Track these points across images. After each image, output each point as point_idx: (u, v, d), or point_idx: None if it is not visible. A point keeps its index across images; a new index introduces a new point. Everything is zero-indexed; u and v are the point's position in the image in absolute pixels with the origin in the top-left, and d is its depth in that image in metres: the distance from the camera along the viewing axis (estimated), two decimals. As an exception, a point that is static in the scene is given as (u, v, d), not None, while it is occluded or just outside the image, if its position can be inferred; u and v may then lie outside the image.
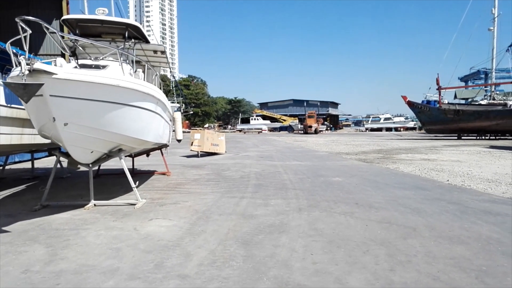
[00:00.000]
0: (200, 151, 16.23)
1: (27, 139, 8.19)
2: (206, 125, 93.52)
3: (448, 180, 8.70)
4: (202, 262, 3.65)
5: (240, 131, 74.79)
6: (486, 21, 41.91)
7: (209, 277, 3.27)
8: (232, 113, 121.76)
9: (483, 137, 33.53)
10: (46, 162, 13.14)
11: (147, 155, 11.22)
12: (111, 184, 8.62)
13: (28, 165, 11.01)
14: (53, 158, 9.20)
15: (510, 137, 32.82)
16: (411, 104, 35.96)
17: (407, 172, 10.30)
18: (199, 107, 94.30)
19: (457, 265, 3.51)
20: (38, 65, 4.26)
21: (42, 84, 4.22)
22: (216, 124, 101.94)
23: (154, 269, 3.48)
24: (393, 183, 8.34)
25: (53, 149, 7.73)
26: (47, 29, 4.68)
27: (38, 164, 12.70)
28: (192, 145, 16.21)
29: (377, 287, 3.04)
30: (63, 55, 6.77)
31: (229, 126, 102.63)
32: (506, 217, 5.25)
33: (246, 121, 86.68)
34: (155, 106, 6.77)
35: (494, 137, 33.33)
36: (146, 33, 8.05)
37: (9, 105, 7.40)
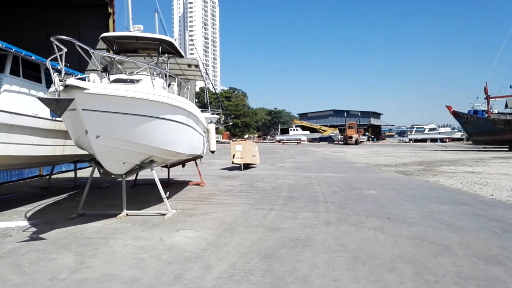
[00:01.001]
0: (243, 163, 15.05)
1: (69, 150, 8.63)
2: (246, 136, 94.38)
3: (492, 195, 8.19)
4: (221, 275, 3.64)
5: (279, 141, 74.72)
6: (539, 26, 39.46)
7: (226, 291, 3.25)
8: (271, 124, 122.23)
9: (539, 149, 31.38)
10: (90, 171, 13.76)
11: (183, 166, 11.45)
12: (146, 194, 8.85)
13: (73, 174, 11.56)
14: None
15: None
16: (456, 114, 34.35)
17: (447, 186, 9.81)
18: (239, 118, 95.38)
19: (490, 287, 3.27)
20: (71, 81, 4.49)
21: (73, 99, 4.44)
22: (256, 135, 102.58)
23: (173, 280, 3.51)
24: (431, 197, 7.96)
25: (91, 160, 8.09)
26: (80, 47, 4.93)
27: (83, 173, 13.32)
28: (234, 157, 14.96)
29: (398, 309, 2.89)
30: (105, 71, 7.14)
31: (269, 137, 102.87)
32: (552, 237, 4.85)
33: (285, 131, 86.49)
34: (186, 119, 6.91)
35: (549, 149, 31.11)
36: (179, 48, 8.27)
37: (53, 118, 7.84)
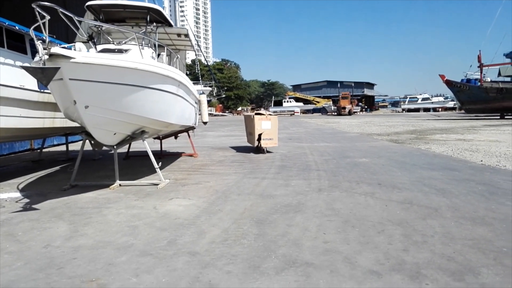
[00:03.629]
0: (273, 145, 10.75)
1: (60, 123, 8.53)
2: (239, 108, 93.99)
3: (481, 161, 8.30)
4: (214, 240, 3.69)
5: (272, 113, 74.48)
6: (534, -8, 38.97)
7: (219, 255, 3.30)
8: (265, 96, 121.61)
9: (529, 117, 31.68)
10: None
11: (175, 138, 11.41)
12: (138, 165, 8.85)
13: (65, 148, 11.49)
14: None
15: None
16: (449, 83, 34.37)
17: (438, 153, 9.92)
18: (232, 91, 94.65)
19: (475, 246, 3.35)
20: (56, 49, 4.37)
21: (59, 68, 4.34)
22: (249, 107, 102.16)
23: (166, 246, 3.56)
24: (422, 164, 8.05)
25: (82, 132, 8.03)
26: (64, 14, 4.78)
27: (75, 147, 13.26)
28: (260, 139, 10.45)
29: (386, 267, 2.96)
30: (91, 40, 6.94)
31: (262, 109, 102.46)
32: (539, 198, 4.95)
33: (279, 103, 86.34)
34: (177, 89, 6.82)
35: (541, 116, 31.42)
36: (168, 17, 8.07)
37: (41, 90, 7.70)
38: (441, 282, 2.69)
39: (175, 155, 10.77)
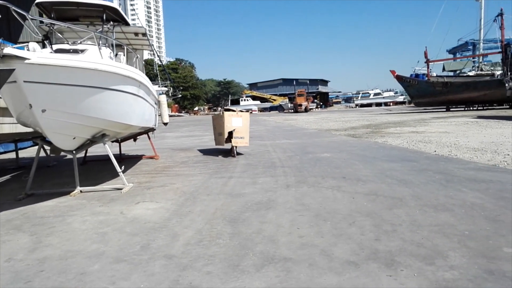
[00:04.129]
0: (245, 145, 9.92)
1: (8, 129, 8.01)
2: (196, 108, 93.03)
3: (435, 151, 8.76)
4: (189, 241, 3.64)
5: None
6: (472, -9, 41.67)
7: (196, 256, 3.26)
8: (221, 95, 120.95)
9: (471, 108, 33.78)
10: (32, 151, 12.95)
11: (134, 140, 11.10)
12: (97, 170, 8.53)
13: (13, 155, 10.83)
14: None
15: (497, 107, 33.11)
16: (399, 78, 35.95)
17: (395, 145, 10.35)
18: (187, 90, 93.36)
19: (441, 231, 3.54)
20: (9, 50, 4.11)
21: (13, 69, 4.09)
22: (206, 107, 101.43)
23: (140, 251, 3.46)
24: (381, 156, 8.37)
25: (36, 137, 7.59)
26: (16, 12, 4.50)
27: (24, 154, 12.53)
28: (231, 138, 9.49)
29: (362, 257, 3.06)
30: (46, 39, 6.53)
31: (219, 108, 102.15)
32: (490, 184, 5.31)
33: (236, 102, 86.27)
34: (137, 89, 6.64)
35: (482, 108, 33.58)
36: (125, 15, 7.82)
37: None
38: (414, 267, 2.82)
39: (136, 158, 10.49)
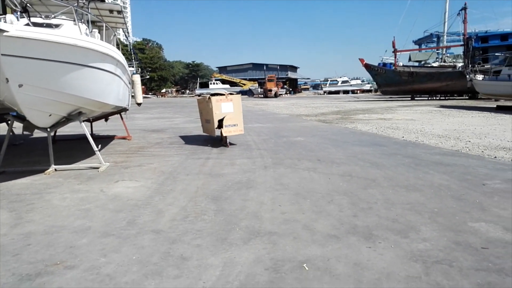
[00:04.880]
0: (240, 133, 8.57)
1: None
2: (164, 90, 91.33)
3: (403, 137, 9.17)
4: (175, 217, 3.72)
5: (199, 95, 73.46)
6: (439, -16, 42.88)
7: (183, 231, 3.36)
8: (190, 78, 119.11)
9: (434, 98, 35.13)
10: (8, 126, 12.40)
11: (106, 120, 10.90)
12: (69, 149, 8.36)
13: (-24, 133, 10.38)
14: (5, 125, 8.72)
15: (458, 97, 34.60)
16: (368, 67, 36.77)
17: (365, 131, 10.72)
18: (155, 72, 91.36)
19: (412, 209, 3.80)
20: None
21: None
22: (174, 89, 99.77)
23: (127, 226, 3.52)
24: (352, 141, 8.67)
25: (4, 114, 7.32)
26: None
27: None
28: (221, 125, 8.18)
29: (342, 231, 3.26)
30: (25, 12, 6.17)
31: (187, 91, 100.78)
32: (454, 167, 5.67)
33: (205, 85, 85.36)
34: (115, 68, 6.54)
35: (444, 98, 35.00)
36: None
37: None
38: (391, 240, 3.05)
39: (107, 138, 10.31)
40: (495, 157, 6.39)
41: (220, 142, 8.64)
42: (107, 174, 5.79)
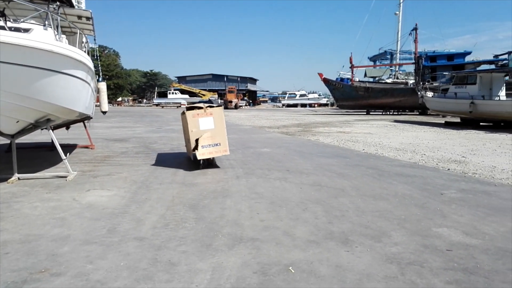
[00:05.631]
0: (223, 154, 7.08)
1: None
2: (120, 99, 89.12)
3: (364, 149, 9.63)
4: (155, 225, 3.76)
5: (157, 105, 72.42)
6: (393, 6, 45.42)
7: (166, 238, 3.41)
8: (147, 87, 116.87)
9: (388, 113, 36.81)
10: None
11: (67, 128, 10.58)
12: (30, 158, 8.06)
13: None
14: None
15: (410, 113, 36.48)
16: (326, 81, 37.96)
17: (327, 143, 11.13)
18: (111, 80, 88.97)
19: (382, 216, 4.08)
20: None
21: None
22: (131, 98, 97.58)
23: (108, 234, 3.51)
24: (317, 153, 9.00)
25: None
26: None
27: None
28: (198, 146, 6.70)
29: (320, 237, 3.45)
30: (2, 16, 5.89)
31: (145, 100, 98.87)
32: (414, 178, 6.08)
33: (163, 95, 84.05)
34: (86, 75, 6.44)
35: (397, 113, 36.77)
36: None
37: None
38: (366, 244, 3.27)
39: (70, 147, 10.00)
40: (449, 169, 6.91)
41: (198, 164, 6.88)
42: (76, 183, 5.67)
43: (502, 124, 16.84)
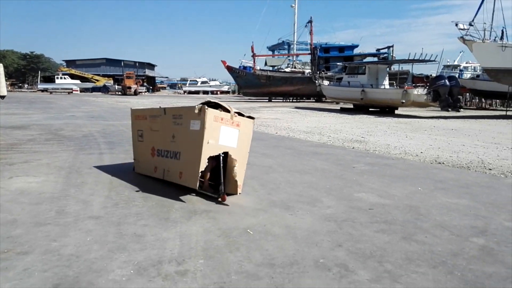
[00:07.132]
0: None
1: None
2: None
3: (277, 133, 10.38)
4: (105, 205, 3.82)
5: (43, 91, 65.65)
6: (290, -2, 47.69)
7: (122, 215, 3.52)
8: (28, 70, 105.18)
9: (288, 100, 38.99)
10: None
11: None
12: None
13: None
14: None
15: (308, 100, 39.16)
16: (230, 69, 38.64)
17: (241, 128, 11.64)
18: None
19: (311, 187, 4.69)
20: None
21: None
22: (9, 83, 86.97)
23: (59, 215, 3.49)
24: (235, 136, 9.44)
25: None
26: None
27: None
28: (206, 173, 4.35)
29: (265, 205, 3.91)
30: None
31: (26, 85, 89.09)
32: (328, 155, 6.90)
33: (49, 80, 76.56)
34: None
35: (296, 100, 39.15)
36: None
37: None
38: (305, 209, 3.82)
39: (-39, 135, 8.93)
40: (353, 148, 7.93)
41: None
42: (-8, 171, 5.26)
43: (387, 109, 19.31)
